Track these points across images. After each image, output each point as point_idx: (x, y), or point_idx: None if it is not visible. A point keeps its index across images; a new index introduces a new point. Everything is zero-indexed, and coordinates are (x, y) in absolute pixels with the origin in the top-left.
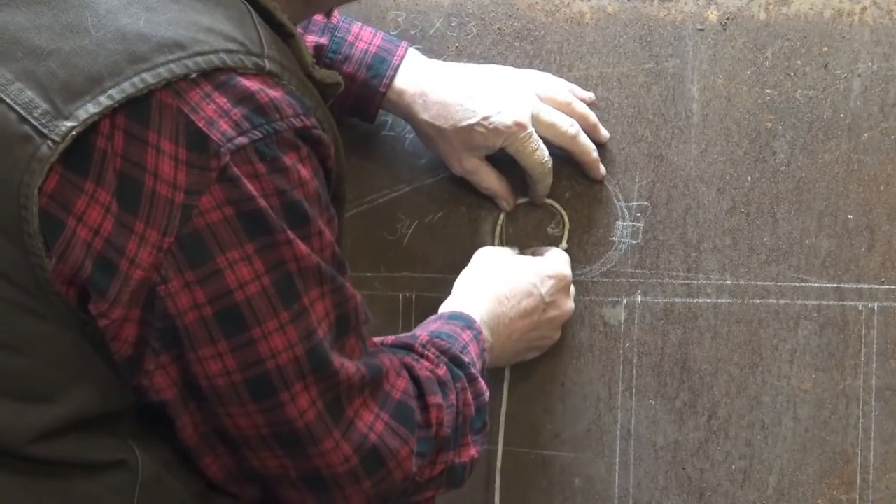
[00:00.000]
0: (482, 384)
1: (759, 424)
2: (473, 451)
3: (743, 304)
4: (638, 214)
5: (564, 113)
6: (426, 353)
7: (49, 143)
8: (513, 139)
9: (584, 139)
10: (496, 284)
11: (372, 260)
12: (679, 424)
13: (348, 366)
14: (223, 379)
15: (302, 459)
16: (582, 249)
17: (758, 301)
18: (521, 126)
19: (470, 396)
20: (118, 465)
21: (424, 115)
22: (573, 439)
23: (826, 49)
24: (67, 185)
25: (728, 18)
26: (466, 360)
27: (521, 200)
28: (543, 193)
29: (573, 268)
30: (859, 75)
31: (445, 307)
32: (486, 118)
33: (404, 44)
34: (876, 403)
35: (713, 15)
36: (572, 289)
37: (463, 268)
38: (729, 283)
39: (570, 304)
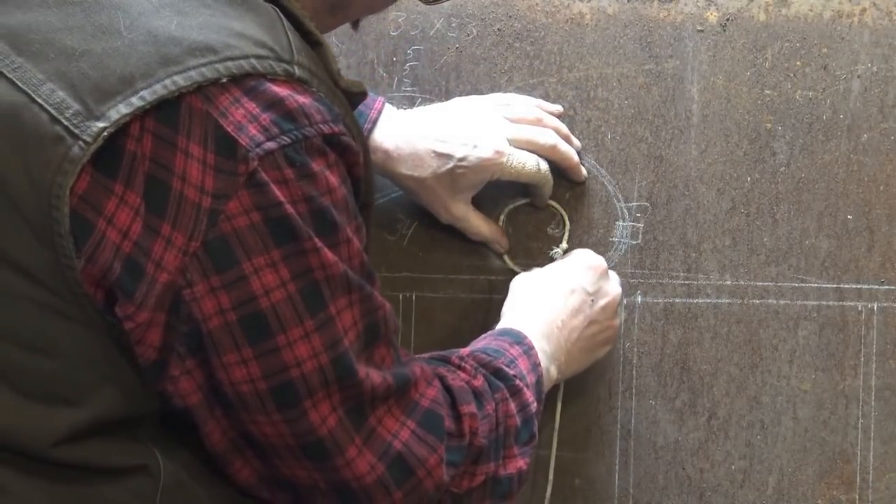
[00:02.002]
0: (528, 395)
1: (759, 424)
2: (521, 463)
3: (743, 305)
4: (638, 215)
5: (538, 123)
6: (463, 364)
7: (81, 143)
8: (499, 168)
9: (563, 146)
10: (538, 295)
11: (372, 260)
12: (679, 424)
13: (374, 376)
14: (247, 386)
15: (330, 472)
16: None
17: (758, 301)
18: (500, 153)
19: (513, 407)
20: (140, 469)
21: (402, 169)
22: (573, 439)
23: (826, 50)
24: (98, 186)
25: (728, 19)
26: (511, 372)
27: (522, 202)
28: (548, 195)
29: None
30: (859, 76)
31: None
32: (463, 158)
33: (381, 98)
34: (876, 403)
35: (713, 16)
36: (613, 274)
37: (462, 268)
38: (729, 283)
39: (616, 287)
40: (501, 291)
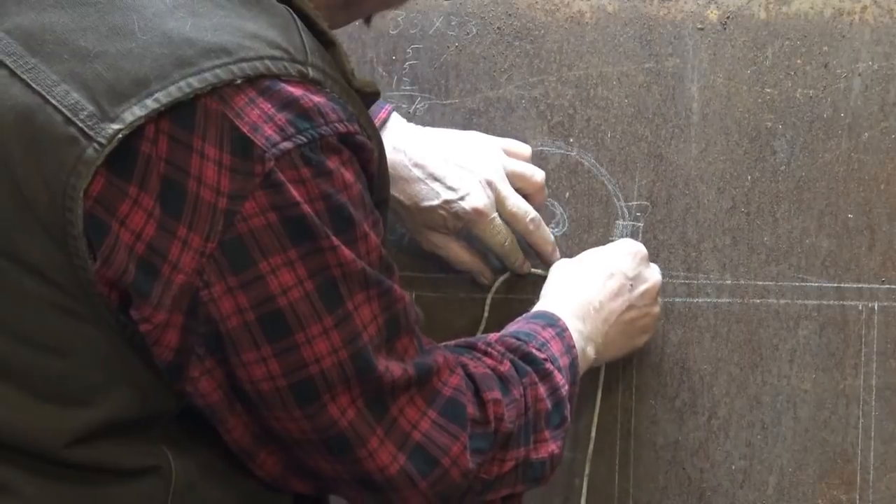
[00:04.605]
0: (559, 378)
1: (759, 424)
2: (553, 447)
3: (743, 304)
4: (638, 214)
5: (536, 195)
6: (490, 350)
7: (95, 145)
8: (472, 225)
9: (543, 232)
10: (576, 278)
11: None
12: (679, 424)
13: (394, 368)
14: (267, 384)
15: (353, 464)
16: (582, 249)
17: (758, 301)
18: (480, 214)
19: (543, 391)
20: (151, 471)
21: (391, 192)
22: (573, 439)
23: (826, 48)
24: (112, 188)
25: (728, 17)
26: (541, 356)
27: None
28: (513, 265)
29: None
30: (860, 74)
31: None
32: (447, 202)
33: (387, 107)
34: (876, 403)
35: (713, 14)
36: (653, 266)
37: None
38: (729, 282)
39: (656, 275)
40: (501, 291)
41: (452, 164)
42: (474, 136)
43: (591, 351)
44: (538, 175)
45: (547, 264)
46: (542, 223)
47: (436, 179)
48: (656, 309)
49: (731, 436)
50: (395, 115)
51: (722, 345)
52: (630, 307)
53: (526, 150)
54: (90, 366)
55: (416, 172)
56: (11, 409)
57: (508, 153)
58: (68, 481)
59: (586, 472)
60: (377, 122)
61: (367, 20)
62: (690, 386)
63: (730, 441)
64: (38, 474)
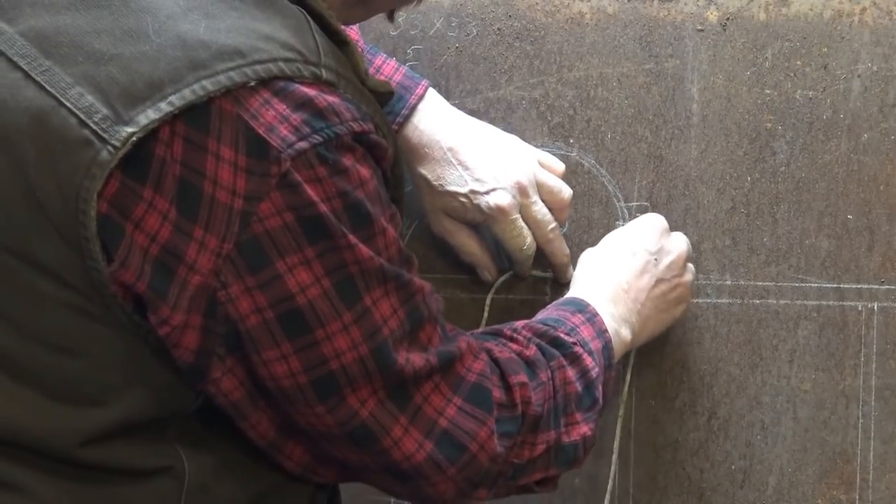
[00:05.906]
0: (588, 361)
1: (759, 424)
2: (585, 429)
3: (743, 305)
4: (638, 215)
5: (561, 212)
6: (516, 336)
7: (109, 148)
8: (493, 222)
9: (561, 243)
10: (601, 262)
11: None
12: (679, 424)
13: (415, 359)
14: (289, 381)
15: (379, 454)
16: (582, 250)
17: (757, 301)
18: (503, 212)
19: (572, 374)
20: (165, 471)
21: (420, 168)
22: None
23: (826, 50)
24: (126, 191)
25: (728, 19)
26: (570, 340)
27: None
28: (526, 271)
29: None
30: (859, 76)
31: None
32: (473, 192)
33: (424, 82)
34: (876, 403)
35: (713, 15)
36: (678, 233)
37: (462, 268)
38: (729, 283)
39: (680, 244)
40: (501, 291)
41: (487, 158)
42: (513, 139)
43: (626, 332)
44: (566, 192)
45: (560, 277)
46: (561, 238)
47: (466, 168)
48: (687, 277)
49: (730, 436)
50: (432, 92)
51: (722, 345)
52: (659, 282)
53: (560, 166)
54: (105, 366)
55: (449, 156)
56: (26, 409)
57: (542, 165)
58: (82, 481)
59: (613, 460)
60: (414, 98)
61: (391, 16)
62: (690, 386)
63: (730, 441)
64: (52, 474)
